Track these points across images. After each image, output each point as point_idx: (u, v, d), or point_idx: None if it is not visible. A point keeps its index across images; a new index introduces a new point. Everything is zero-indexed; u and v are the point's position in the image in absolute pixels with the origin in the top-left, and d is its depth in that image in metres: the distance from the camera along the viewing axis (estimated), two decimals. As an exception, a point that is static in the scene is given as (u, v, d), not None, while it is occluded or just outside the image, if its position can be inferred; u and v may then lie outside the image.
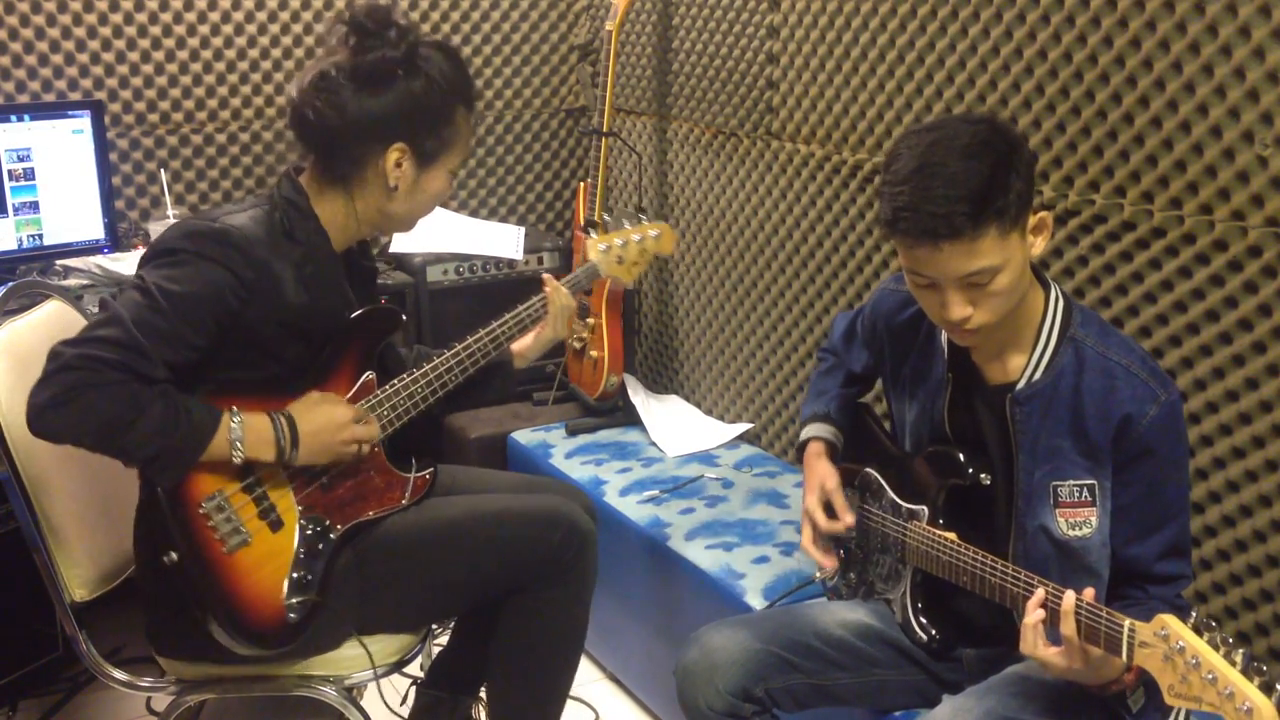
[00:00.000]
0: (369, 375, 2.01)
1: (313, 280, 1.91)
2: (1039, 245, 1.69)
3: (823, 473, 2.04)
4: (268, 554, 1.88)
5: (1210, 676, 1.35)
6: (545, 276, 2.20)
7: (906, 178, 1.61)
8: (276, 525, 1.90)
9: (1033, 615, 1.60)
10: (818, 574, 2.17)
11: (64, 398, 1.69)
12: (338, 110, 1.87)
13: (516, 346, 2.22)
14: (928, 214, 1.58)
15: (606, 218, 2.33)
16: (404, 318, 2.09)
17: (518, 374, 2.25)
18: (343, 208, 1.95)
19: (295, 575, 1.89)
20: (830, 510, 2.02)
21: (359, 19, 1.89)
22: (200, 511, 1.82)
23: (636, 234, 2.32)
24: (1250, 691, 1.32)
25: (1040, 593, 1.60)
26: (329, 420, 1.90)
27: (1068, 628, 1.55)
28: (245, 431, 1.81)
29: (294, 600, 1.88)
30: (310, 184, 1.95)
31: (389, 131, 1.89)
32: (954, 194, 1.57)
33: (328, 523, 1.94)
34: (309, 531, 1.92)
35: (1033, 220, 1.67)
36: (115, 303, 1.78)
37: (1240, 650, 1.37)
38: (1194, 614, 1.43)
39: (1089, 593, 1.56)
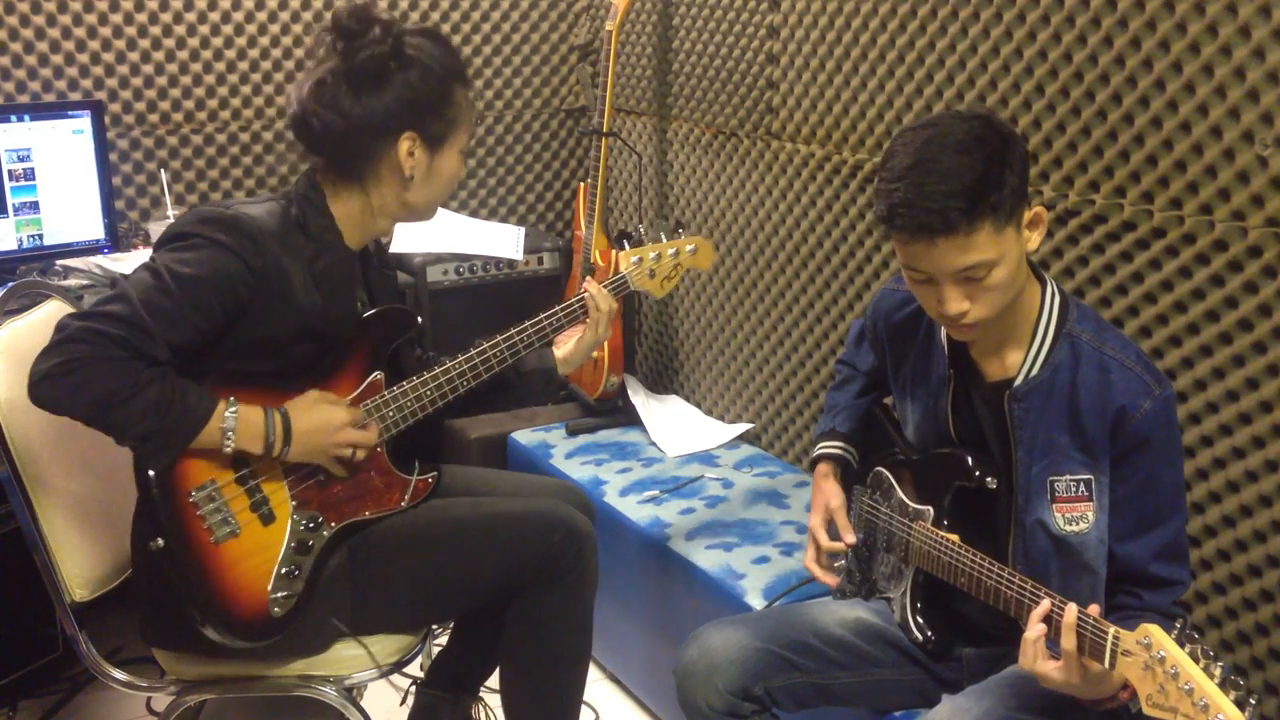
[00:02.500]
0: (377, 375, 2.00)
1: (324, 277, 1.92)
2: (1035, 240, 1.70)
3: (828, 492, 2.05)
4: (256, 547, 1.88)
5: (1187, 687, 1.37)
6: (587, 281, 2.18)
7: (902, 174, 1.63)
8: (268, 518, 1.90)
9: (1035, 630, 1.59)
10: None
11: (65, 368, 1.71)
12: (341, 115, 1.89)
13: (559, 353, 2.20)
14: (923, 210, 1.60)
15: (641, 229, 2.29)
16: (419, 320, 2.09)
17: (560, 379, 2.23)
18: (360, 204, 1.96)
19: (283, 570, 1.89)
20: (834, 531, 2.03)
21: (343, 22, 1.91)
22: (190, 500, 1.83)
23: (671, 248, 2.27)
24: (1224, 704, 1.34)
25: (1045, 605, 1.59)
26: (325, 421, 1.90)
27: (1069, 642, 1.55)
28: (238, 422, 1.82)
29: (279, 594, 1.88)
30: (325, 183, 1.96)
31: (396, 124, 1.91)
32: (948, 189, 1.59)
33: (321, 519, 1.94)
34: (301, 527, 1.92)
35: (1028, 215, 1.68)
36: (125, 282, 1.80)
37: (1219, 664, 1.38)
38: (1177, 624, 1.44)
39: (1094, 609, 1.55)
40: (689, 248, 2.30)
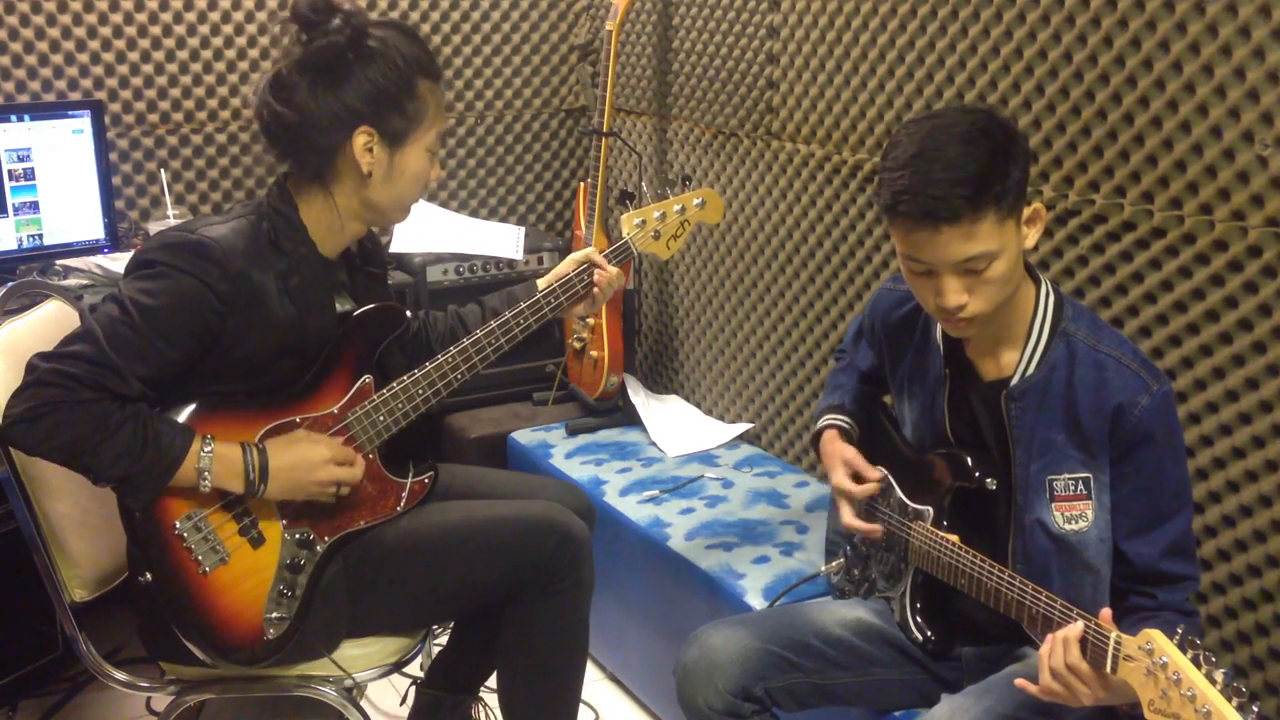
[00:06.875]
0: (365, 380, 1.96)
1: (298, 292, 1.87)
2: (1033, 237, 1.71)
3: (840, 449, 2.02)
4: (247, 571, 1.87)
5: (1190, 694, 1.37)
6: (590, 253, 2.11)
7: (906, 162, 1.63)
8: (258, 541, 1.88)
9: (1047, 645, 1.57)
10: (823, 568, 2.17)
11: (34, 413, 1.70)
12: (296, 108, 1.83)
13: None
14: (928, 197, 1.60)
15: (644, 187, 2.18)
16: (408, 314, 2.03)
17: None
18: (325, 207, 1.91)
19: (276, 591, 1.88)
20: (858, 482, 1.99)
21: (302, 11, 1.86)
22: (175, 533, 1.82)
23: (676, 204, 2.16)
24: (1227, 711, 1.34)
25: (1079, 626, 1.55)
26: (303, 458, 1.86)
27: (1073, 656, 1.53)
28: (214, 462, 1.79)
29: (273, 615, 1.87)
30: (295, 189, 1.92)
31: (351, 118, 1.84)
32: (953, 177, 1.59)
33: (312, 536, 1.92)
34: (292, 546, 1.90)
35: (1027, 211, 1.69)
36: (92, 316, 1.77)
37: (1221, 670, 1.38)
38: (1179, 629, 1.43)
39: (1106, 613, 1.53)
40: (695, 201, 2.20)
